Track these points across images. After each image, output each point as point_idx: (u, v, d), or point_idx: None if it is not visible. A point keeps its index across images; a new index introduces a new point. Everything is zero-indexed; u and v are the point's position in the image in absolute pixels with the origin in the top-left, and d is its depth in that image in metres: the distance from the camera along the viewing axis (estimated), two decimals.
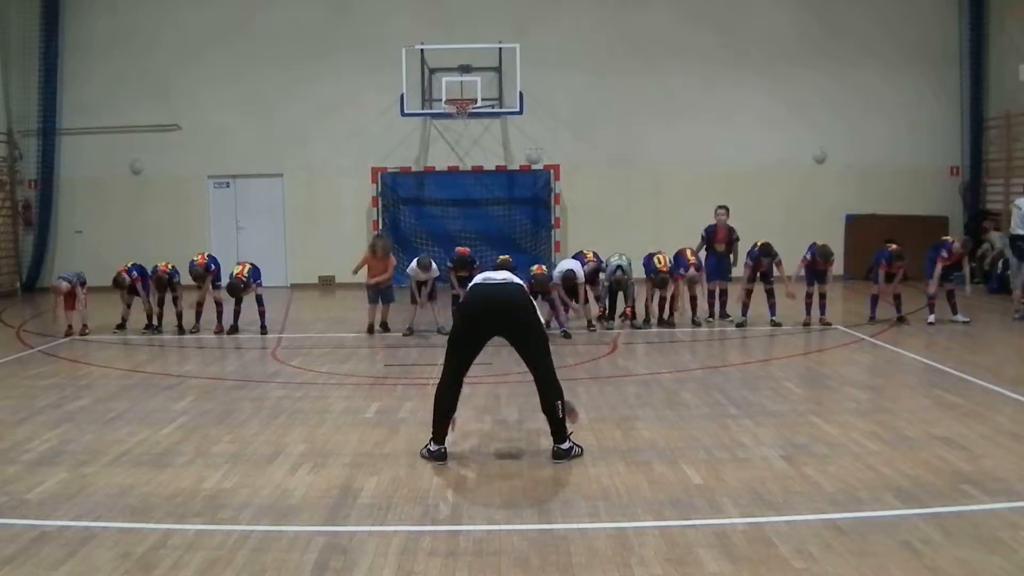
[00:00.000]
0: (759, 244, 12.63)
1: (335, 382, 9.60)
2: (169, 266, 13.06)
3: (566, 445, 6.62)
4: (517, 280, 6.68)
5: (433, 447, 6.61)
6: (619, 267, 12.61)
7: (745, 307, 12.76)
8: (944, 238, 13.42)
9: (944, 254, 12.67)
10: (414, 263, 12.50)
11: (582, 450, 6.73)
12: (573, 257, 12.87)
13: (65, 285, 12.71)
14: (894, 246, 12.76)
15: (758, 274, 12.67)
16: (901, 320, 12.74)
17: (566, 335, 12.02)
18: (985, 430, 7.12)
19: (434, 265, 12.50)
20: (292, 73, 18.73)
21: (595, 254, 12.82)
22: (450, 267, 12.71)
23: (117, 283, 13.02)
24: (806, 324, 12.67)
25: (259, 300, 12.87)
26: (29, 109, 18.87)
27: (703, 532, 5.10)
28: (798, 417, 7.73)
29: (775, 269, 12.66)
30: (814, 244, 12.74)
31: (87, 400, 8.77)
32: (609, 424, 7.56)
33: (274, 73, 18.76)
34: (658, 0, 18.87)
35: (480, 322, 6.54)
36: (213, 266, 13.03)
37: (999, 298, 15.15)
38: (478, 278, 6.82)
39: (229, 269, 13.09)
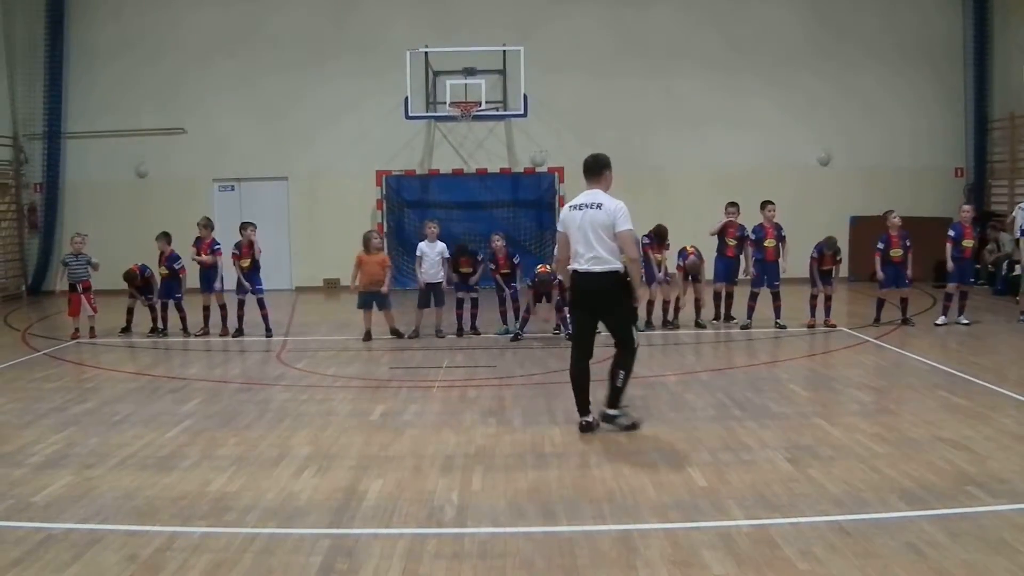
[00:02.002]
0: (826, 239, 12.77)
1: (340, 385, 9.62)
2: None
3: (613, 412, 7.38)
4: (607, 259, 7.10)
5: (580, 420, 7.40)
6: None
7: (751, 309, 12.75)
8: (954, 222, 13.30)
9: (952, 233, 12.70)
10: (422, 243, 12.63)
11: (635, 425, 7.40)
12: None
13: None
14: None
15: (764, 277, 12.67)
16: (906, 322, 12.73)
17: (570, 337, 12.02)
18: (990, 432, 7.11)
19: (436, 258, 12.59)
20: (296, 77, 18.78)
21: None
22: (449, 259, 12.69)
23: (128, 279, 13.16)
24: (811, 326, 12.67)
25: (261, 304, 12.92)
26: (34, 113, 18.97)
27: (708, 534, 5.10)
28: (803, 419, 7.73)
29: (782, 252, 12.73)
30: (820, 243, 12.74)
31: (93, 403, 8.79)
32: (614, 426, 7.56)
33: (278, 77, 18.81)
34: (662, 3, 18.89)
35: (580, 305, 7.41)
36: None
37: (1004, 300, 15.12)
38: (572, 221, 7.24)
39: (234, 271, 13.07)
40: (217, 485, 6.15)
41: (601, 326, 7.40)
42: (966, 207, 13.04)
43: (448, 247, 12.81)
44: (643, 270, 12.43)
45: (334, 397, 9.00)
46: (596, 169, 7.43)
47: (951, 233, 12.73)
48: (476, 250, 13.06)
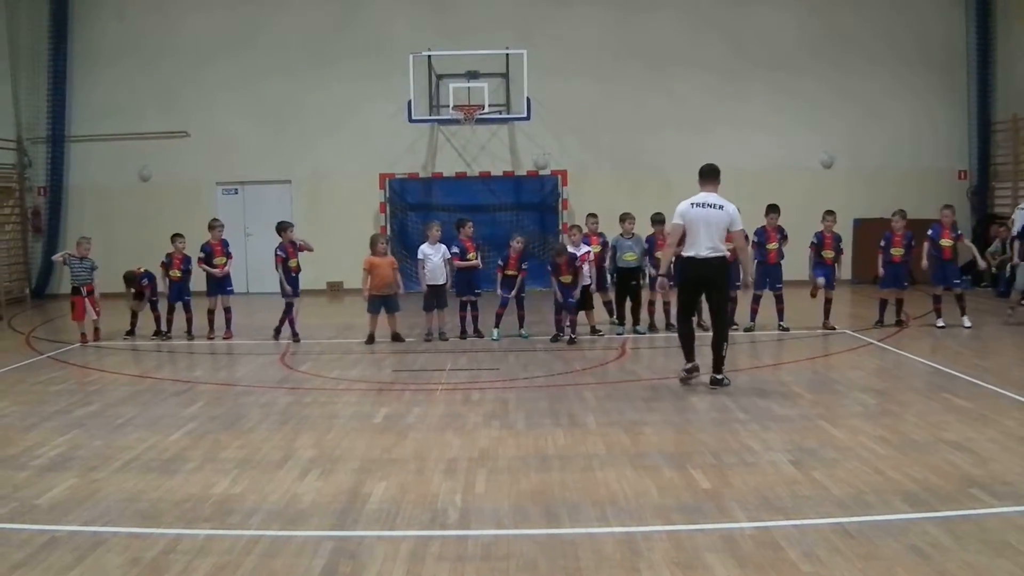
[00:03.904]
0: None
1: (343, 388, 9.62)
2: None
3: (719, 376, 8.98)
4: (720, 249, 8.90)
5: (687, 365, 9.20)
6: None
7: (754, 312, 12.74)
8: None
9: (929, 232, 12.79)
10: (423, 246, 12.68)
11: (729, 382, 8.99)
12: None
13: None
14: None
15: (767, 280, 12.67)
16: (899, 323, 12.74)
17: (571, 341, 12.02)
18: (993, 434, 7.10)
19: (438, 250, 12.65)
20: (300, 80, 18.82)
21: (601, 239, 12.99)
22: (455, 254, 12.70)
23: (128, 279, 13.22)
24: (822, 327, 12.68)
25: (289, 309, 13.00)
26: (38, 116, 19.03)
27: (711, 536, 5.10)
28: (806, 421, 7.72)
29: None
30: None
31: (96, 406, 8.81)
32: (617, 429, 7.57)
33: (282, 80, 18.85)
34: (665, 7, 18.91)
35: (691, 284, 9.09)
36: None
37: (1007, 302, 15.06)
38: (696, 216, 8.93)
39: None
40: (221, 488, 6.16)
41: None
42: (946, 211, 13.01)
43: (449, 249, 12.78)
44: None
45: (337, 400, 9.00)
46: (713, 175, 9.17)
47: (929, 232, 12.80)
48: (478, 244, 13.11)
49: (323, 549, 5.04)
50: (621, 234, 12.80)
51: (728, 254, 9.07)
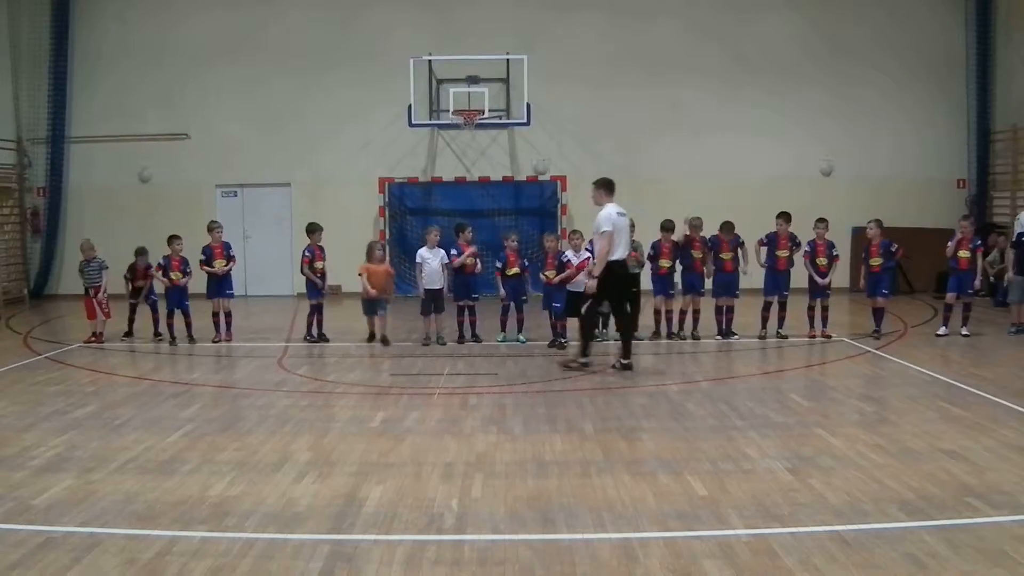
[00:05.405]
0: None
1: (341, 391, 9.62)
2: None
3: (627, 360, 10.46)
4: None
5: (624, 363, 10.42)
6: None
7: (764, 320, 12.72)
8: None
9: (951, 243, 12.79)
10: (422, 250, 12.68)
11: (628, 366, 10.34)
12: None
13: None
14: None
15: (776, 287, 12.67)
16: (876, 333, 12.72)
17: (561, 346, 12.04)
18: (991, 443, 7.11)
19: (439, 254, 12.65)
20: (300, 83, 18.82)
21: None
22: (453, 256, 12.68)
23: (132, 268, 13.31)
24: (812, 337, 12.66)
25: (320, 308, 13.03)
26: (39, 117, 18.99)
27: (708, 543, 5.10)
28: (803, 429, 7.73)
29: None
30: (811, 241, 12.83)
31: (94, 407, 8.80)
32: (614, 435, 7.57)
33: (282, 83, 18.86)
34: (665, 14, 18.92)
35: (627, 284, 10.43)
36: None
37: (1006, 311, 15.06)
38: (623, 225, 10.21)
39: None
40: (217, 490, 6.16)
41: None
42: (964, 222, 13.05)
43: (447, 253, 12.76)
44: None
45: (335, 403, 9.00)
46: (613, 187, 10.40)
47: (949, 243, 12.81)
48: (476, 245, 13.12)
49: (319, 552, 5.04)
50: None
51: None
